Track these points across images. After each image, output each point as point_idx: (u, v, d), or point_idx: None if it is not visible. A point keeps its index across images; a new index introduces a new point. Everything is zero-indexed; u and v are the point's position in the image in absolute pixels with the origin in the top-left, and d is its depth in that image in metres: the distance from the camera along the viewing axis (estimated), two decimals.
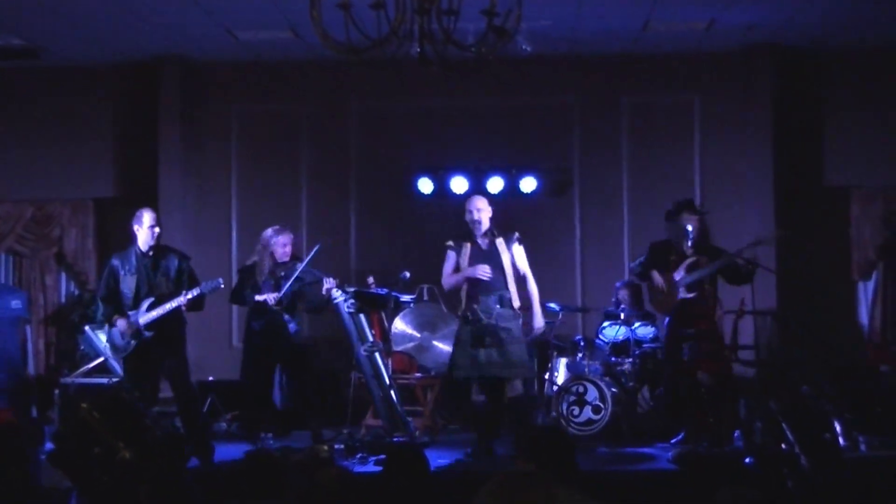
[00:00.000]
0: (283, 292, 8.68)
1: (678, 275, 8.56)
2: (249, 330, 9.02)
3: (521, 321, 8.34)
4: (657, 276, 8.66)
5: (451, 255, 8.40)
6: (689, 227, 8.60)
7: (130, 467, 5.94)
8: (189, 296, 8.14)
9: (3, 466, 5.92)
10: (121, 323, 8.16)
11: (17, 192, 11.35)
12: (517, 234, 8.43)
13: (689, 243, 8.64)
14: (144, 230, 8.22)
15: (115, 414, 6.42)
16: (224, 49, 10.79)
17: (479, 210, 8.35)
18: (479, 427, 8.46)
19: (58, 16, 9.64)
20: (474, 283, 8.25)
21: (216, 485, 6.89)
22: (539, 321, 8.45)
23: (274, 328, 8.81)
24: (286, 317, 8.82)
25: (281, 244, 8.85)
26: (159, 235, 8.28)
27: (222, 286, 8.56)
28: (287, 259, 8.89)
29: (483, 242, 8.35)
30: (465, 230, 8.45)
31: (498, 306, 8.23)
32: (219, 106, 11.48)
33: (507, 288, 8.28)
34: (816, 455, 6.59)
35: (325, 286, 8.76)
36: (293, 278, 8.69)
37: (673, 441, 8.62)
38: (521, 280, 8.38)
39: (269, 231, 8.94)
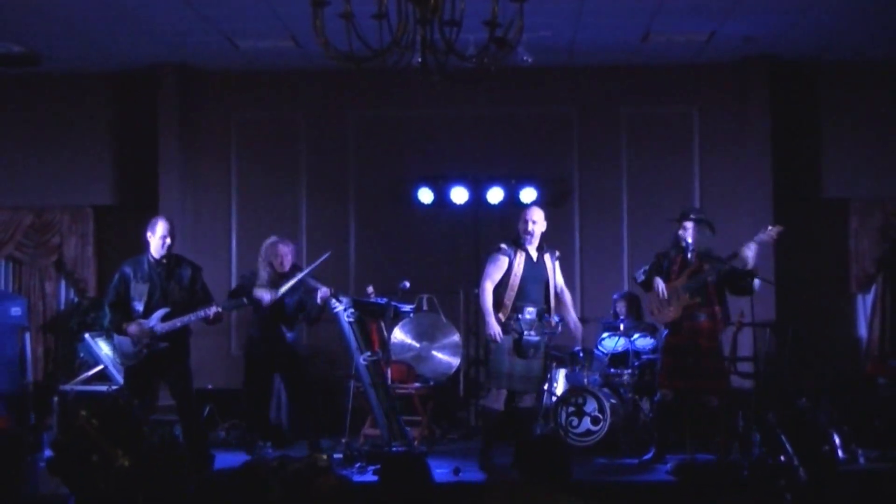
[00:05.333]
0: (279, 293, 8.59)
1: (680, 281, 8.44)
2: (250, 339, 8.99)
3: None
4: (660, 283, 8.51)
5: (503, 259, 8.19)
6: (686, 235, 8.46)
7: (129, 475, 5.94)
8: (213, 312, 8.10)
9: (1, 473, 5.92)
10: (133, 328, 8.03)
11: (17, 199, 11.38)
12: (558, 252, 8.44)
13: (690, 251, 8.50)
14: (157, 239, 8.15)
15: (114, 422, 6.41)
16: (223, 57, 10.80)
17: (534, 222, 8.23)
18: (487, 434, 8.34)
19: (57, 23, 9.65)
20: (521, 292, 8.14)
21: (214, 493, 6.89)
22: (578, 326, 8.48)
23: (273, 336, 8.76)
24: (284, 327, 8.78)
25: (281, 254, 8.78)
26: (171, 246, 8.21)
27: (246, 303, 8.58)
28: (287, 270, 8.80)
29: (534, 254, 8.26)
30: (514, 237, 8.31)
31: (538, 320, 8.18)
32: (218, 114, 11.49)
33: (547, 303, 8.25)
34: (814, 467, 6.59)
35: (320, 295, 8.67)
36: (292, 282, 8.64)
37: (645, 457, 8.49)
38: (556, 296, 8.34)
39: (269, 241, 8.88)
